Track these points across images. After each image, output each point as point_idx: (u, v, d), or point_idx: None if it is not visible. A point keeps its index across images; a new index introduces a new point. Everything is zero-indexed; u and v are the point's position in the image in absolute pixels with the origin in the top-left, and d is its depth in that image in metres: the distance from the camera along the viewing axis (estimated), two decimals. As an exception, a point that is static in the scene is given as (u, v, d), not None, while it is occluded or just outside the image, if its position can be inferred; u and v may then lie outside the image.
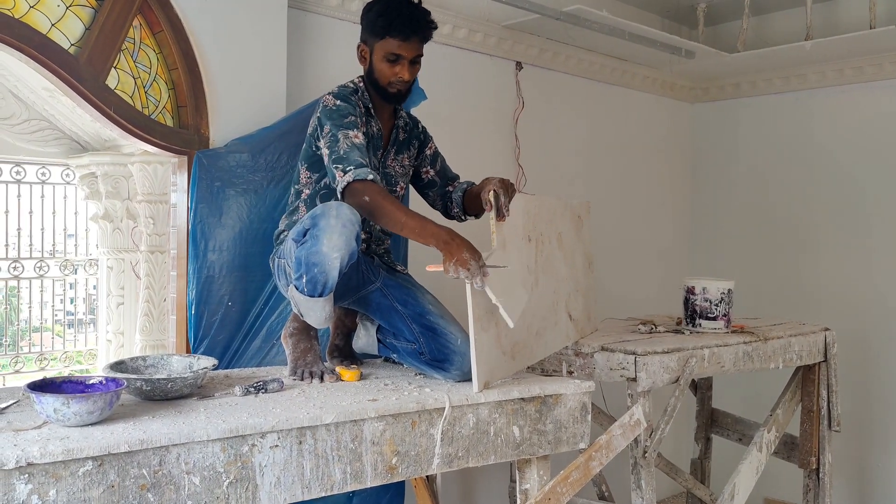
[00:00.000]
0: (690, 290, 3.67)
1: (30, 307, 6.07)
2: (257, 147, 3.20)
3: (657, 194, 5.87)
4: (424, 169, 2.99)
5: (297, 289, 2.50)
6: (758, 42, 5.45)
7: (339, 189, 2.50)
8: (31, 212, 5.84)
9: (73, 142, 5.28)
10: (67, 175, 5.72)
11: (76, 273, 6.09)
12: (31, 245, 6.00)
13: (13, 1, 2.81)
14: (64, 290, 6.38)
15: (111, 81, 3.02)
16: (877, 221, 5.23)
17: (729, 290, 3.64)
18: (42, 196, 5.87)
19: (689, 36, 5.77)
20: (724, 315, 3.62)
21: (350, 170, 2.47)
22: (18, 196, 5.76)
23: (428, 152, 2.98)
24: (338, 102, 2.63)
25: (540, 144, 4.92)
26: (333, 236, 2.36)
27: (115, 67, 3.03)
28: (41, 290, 6.05)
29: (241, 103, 3.29)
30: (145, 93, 3.12)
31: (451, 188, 2.98)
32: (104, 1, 2.99)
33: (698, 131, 6.13)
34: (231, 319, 3.17)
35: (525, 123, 4.79)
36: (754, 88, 5.75)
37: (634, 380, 3.04)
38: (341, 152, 2.51)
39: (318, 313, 2.53)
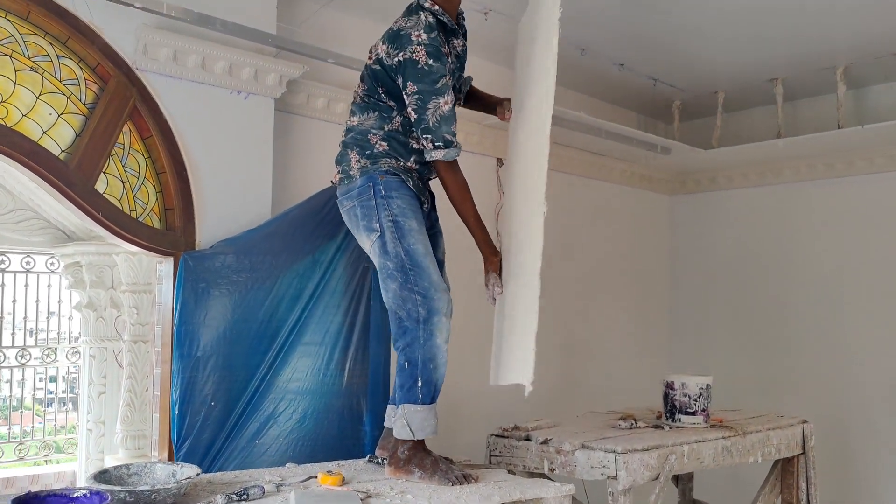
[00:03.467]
0: (670, 386, 3.71)
1: (10, 393, 6.03)
2: (242, 249, 3.26)
3: (637, 287, 5.95)
4: None
5: (411, 400, 2.59)
6: (732, 138, 5.61)
7: (427, 157, 2.66)
8: (14, 300, 5.84)
9: (59, 231, 5.31)
10: (52, 264, 5.74)
11: (57, 359, 6.07)
12: (13, 333, 5.99)
13: (6, 110, 2.90)
14: (45, 370, 6.35)
15: (100, 186, 3.09)
16: (852, 311, 5.33)
17: (707, 386, 3.68)
18: (26, 285, 5.88)
19: (665, 132, 5.95)
20: (703, 410, 3.66)
21: (440, 147, 2.61)
22: (2, 285, 5.77)
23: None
24: (430, 63, 2.56)
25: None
26: (444, 331, 2.60)
27: (104, 172, 3.10)
28: (22, 374, 6.03)
29: (227, 205, 3.37)
30: (133, 196, 3.19)
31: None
32: (95, 108, 3.08)
33: (677, 223, 6.27)
34: (214, 419, 3.18)
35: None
36: (731, 182, 5.92)
37: (615, 478, 3.03)
38: (430, 123, 2.59)
39: (433, 420, 2.61)
